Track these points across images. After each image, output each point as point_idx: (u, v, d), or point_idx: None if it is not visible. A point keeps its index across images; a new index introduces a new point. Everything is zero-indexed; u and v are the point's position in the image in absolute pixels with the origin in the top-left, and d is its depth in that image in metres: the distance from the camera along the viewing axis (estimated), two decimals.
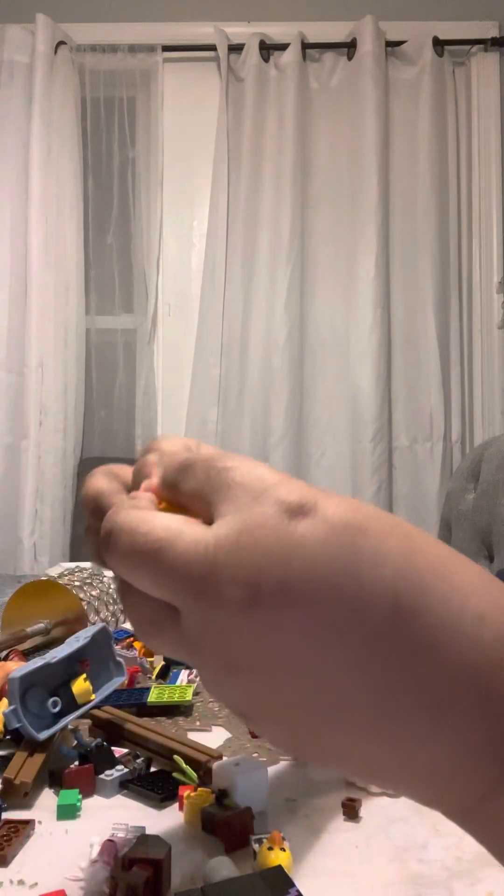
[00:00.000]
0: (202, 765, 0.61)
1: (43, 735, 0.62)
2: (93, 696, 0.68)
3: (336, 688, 0.23)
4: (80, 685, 0.67)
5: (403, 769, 0.24)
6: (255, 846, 0.50)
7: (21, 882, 0.49)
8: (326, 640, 0.23)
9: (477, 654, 0.22)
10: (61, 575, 1.07)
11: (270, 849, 0.48)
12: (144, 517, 0.25)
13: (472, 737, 0.23)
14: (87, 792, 0.60)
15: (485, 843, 0.26)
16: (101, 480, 0.31)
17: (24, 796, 0.58)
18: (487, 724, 0.23)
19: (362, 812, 0.56)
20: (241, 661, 0.23)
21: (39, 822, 0.56)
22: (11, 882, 0.49)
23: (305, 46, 2.63)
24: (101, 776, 0.61)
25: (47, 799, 0.60)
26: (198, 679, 0.84)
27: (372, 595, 0.22)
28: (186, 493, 0.27)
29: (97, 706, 0.70)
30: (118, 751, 0.65)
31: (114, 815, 0.56)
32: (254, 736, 0.71)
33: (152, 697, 0.76)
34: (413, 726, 0.23)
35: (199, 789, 0.57)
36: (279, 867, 0.46)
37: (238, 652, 0.23)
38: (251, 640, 0.23)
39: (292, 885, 0.44)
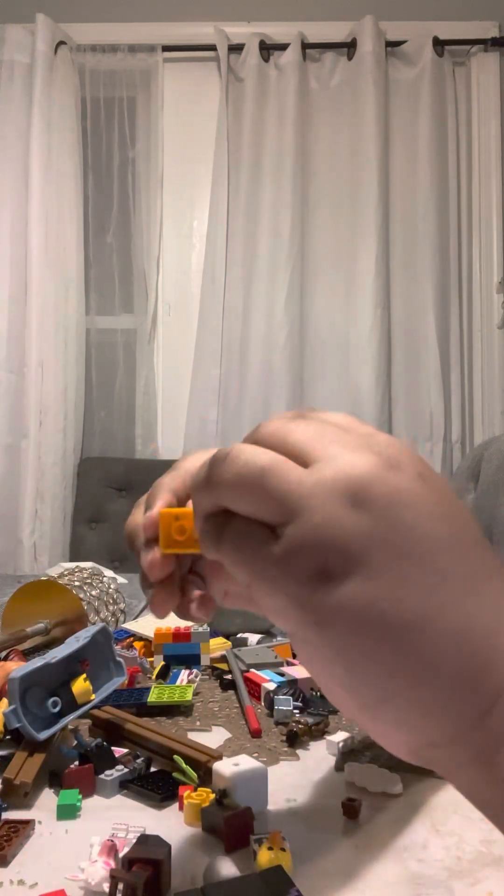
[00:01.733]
0: (202, 765, 0.61)
1: (43, 735, 0.62)
2: (93, 696, 0.68)
3: (422, 584, 0.26)
4: (80, 685, 0.67)
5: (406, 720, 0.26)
6: (255, 846, 0.50)
7: (21, 882, 0.49)
8: (426, 546, 0.26)
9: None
10: (61, 575, 1.08)
11: (270, 849, 0.48)
12: (254, 448, 0.28)
13: (488, 684, 0.25)
14: (87, 792, 0.60)
15: (479, 801, 0.28)
16: (138, 514, 0.35)
17: (24, 796, 0.58)
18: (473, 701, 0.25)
19: (362, 812, 0.56)
20: (338, 561, 0.25)
21: (39, 822, 0.56)
22: (11, 882, 0.49)
23: (305, 46, 2.63)
24: (101, 776, 0.61)
25: (47, 799, 0.60)
26: (197, 679, 0.84)
27: (468, 518, 0.27)
28: (291, 445, 0.28)
29: (97, 706, 0.70)
30: (118, 751, 0.65)
31: (114, 815, 0.56)
32: (254, 735, 0.71)
33: (152, 697, 0.76)
34: (459, 639, 0.26)
35: (199, 789, 0.57)
36: (279, 867, 0.46)
37: (338, 552, 0.25)
38: (355, 541, 0.25)
39: (292, 885, 0.44)
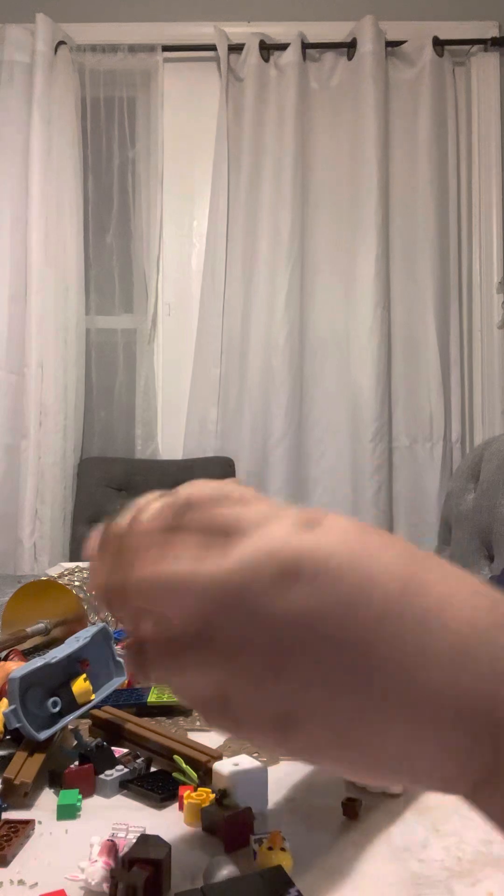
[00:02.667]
0: (202, 765, 0.61)
1: (43, 735, 0.62)
2: (93, 696, 0.68)
3: (360, 667, 0.25)
4: (80, 685, 0.67)
5: (403, 765, 0.26)
6: (255, 846, 0.50)
7: (21, 882, 0.49)
8: (351, 615, 0.25)
9: (472, 632, 0.25)
10: (61, 575, 1.07)
11: (270, 849, 0.48)
12: (166, 554, 0.28)
13: (455, 739, 0.25)
14: (87, 792, 0.60)
15: (495, 821, 0.27)
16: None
17: (24, 796, 0.58)
18: (470, 727, 0.25)
19: (362, 812, 0.56)
20: (282, 651, 0.26)
21: (39, 822, 0.56)
22: (11, 882, 0.49)
23: (305, 46, 2.63)
24: (101, 776, 0.61)
25: (47, 799, 0.60)
26: None
27: (385, 572, 0.26)
28: (194, 529, 0.29)
29: (97, 706, 0.70)
30: (118, 751, 0.65)
31: (114, 815, 0.56)
32: None
33: (152, 697, 0.76)
34: (403, 725, 0.25)
35: (199, 789, 0.57)
36: (279, 867, 0.46)
37: (277, 642, 0.26)
38: (290, 625, 0.25)
39: (292, 885, 0.44)
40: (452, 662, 0.25)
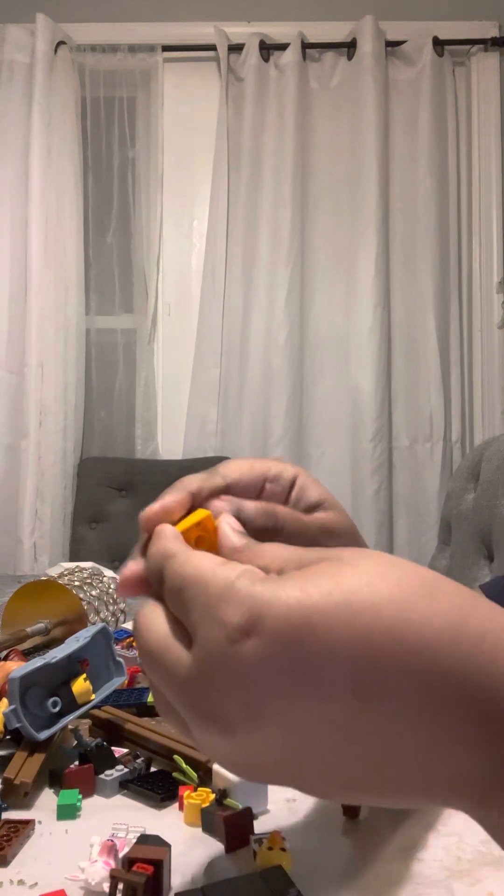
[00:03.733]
0: (202, 765, 0.61)
1: (43, 735, 0.62)
2: (93, 696, 0.68)
3: (327, 747, 0.26)
4: (80, 685, 0.67)
5: (401, 792, 0.27)
6: (255, 846, 0.49)
7: (21, 882, 0.49)
8: (306, 734, 0.25)
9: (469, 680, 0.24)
10: (61, 575, 1.07)
11: (270, 849, 0.48)
12: (151, 620, 0.30)
13: (478, 752, 0.25)
14: (87, 792, 0.60)
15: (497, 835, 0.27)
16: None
17: (24, 796, 0.58)
18: (488, 737, 0.24)
19: (362, 812, 0.56)
20: (240, 763, 0.27)
21: (39, 822, 0.56)
22: (11, 882, 0.49)
23: (305, 46, 2.63)
24: (101, 776, 0.61)
25: (47, 799, 0.60)
26: None
27: (330, 689, 0.25)
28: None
29: (97, 706, 0.70)
30: (118, 751, 0.65)
31: (114, 815, 0.56)
32: None
33: (152, 697, 0.76)
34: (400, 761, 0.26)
35: (199, 789, 0.57)
36: (279, 867, 0.46)
37: (233, 758, 0.27)
38: (238, 758, 0.27)
39: (292, 885, 0.44)
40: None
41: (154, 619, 0.29)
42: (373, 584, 0.25)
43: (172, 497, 0.35)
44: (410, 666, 0.24)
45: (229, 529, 0.33)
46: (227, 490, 0.38)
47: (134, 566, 0.33)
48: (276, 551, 0.29)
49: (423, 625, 0.24)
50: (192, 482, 0.37)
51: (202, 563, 0.28)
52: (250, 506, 0.37)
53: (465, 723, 0.24)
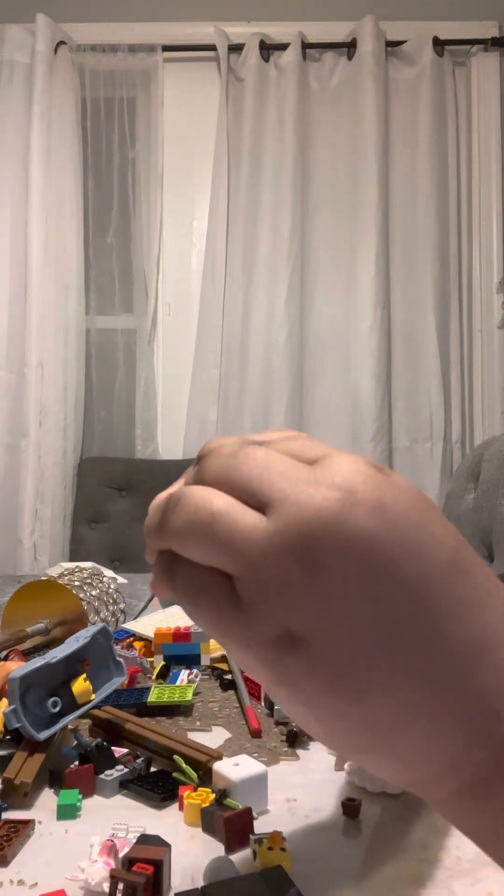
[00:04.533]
0: (202, 765, 0.61)
1: (43, 735, 0.62)
2: (93, 696, 0.68)
3: (389, 642, 0.24)
4: (80, 685, 0.67)
5: (403, 749, 0.25)
6: (255, 846, 0.50)
7: (21, 882, 0.49)
8: (390, 591, 0.24)
9: (486, 629, 0.25)
10: (61, 575, 1.08)
11: (270, 849, 0.48)
12: (206, 490, 0.26)
13: (473, 714, 0.25)
14: (87, 792, 0.60)
15: (471, 831, 0.27)
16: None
17: (24, 796, 0.58)
18: (485, 718, 0.24)
19: (362, 812, 0.56)
20: (300, 626, 0.24)
21: (39, 822, 0.56)
22: (11, 882, 0.49)
23: (305, 46, 2.63)
24: (101, 776, 0.61)
25: (47, 799, 0.60)
26: (197, 679, 0.84)
27: (438, 544, 0.25)
28: (214, 483, 0.26)
29: (97, 706, 0.70)
30: (118, 751, 0.65)
31: (114, 815, 0.56)
32: (254, 735, 0.71)
33: (152, 697, 0.76)
34: (435, 685, 0.24)
35: (199, 789, 0.57)
36: (279, 867, 0.46)
37: (299, 617, 0.24)
38: (313, 605, 0.24)
39: (292, 885, 0.44)
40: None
41: (210, 491, 0.26)
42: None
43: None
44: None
45: None
46: None
47: None
48: None
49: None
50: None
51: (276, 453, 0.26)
52: None
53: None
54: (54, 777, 0.61)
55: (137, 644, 0.95)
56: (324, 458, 0.25)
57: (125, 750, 0.65)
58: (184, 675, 0.85)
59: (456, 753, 0.25)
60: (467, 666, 0.24)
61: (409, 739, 0.25)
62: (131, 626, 1.00)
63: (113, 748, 0.64)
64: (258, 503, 0.25)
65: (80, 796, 0.58)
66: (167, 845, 0.48)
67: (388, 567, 0.24)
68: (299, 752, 0.68)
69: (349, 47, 2.64)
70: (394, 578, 0.24)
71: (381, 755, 0.26)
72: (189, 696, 0.77)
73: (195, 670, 0.86)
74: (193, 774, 0.60)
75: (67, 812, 0.57)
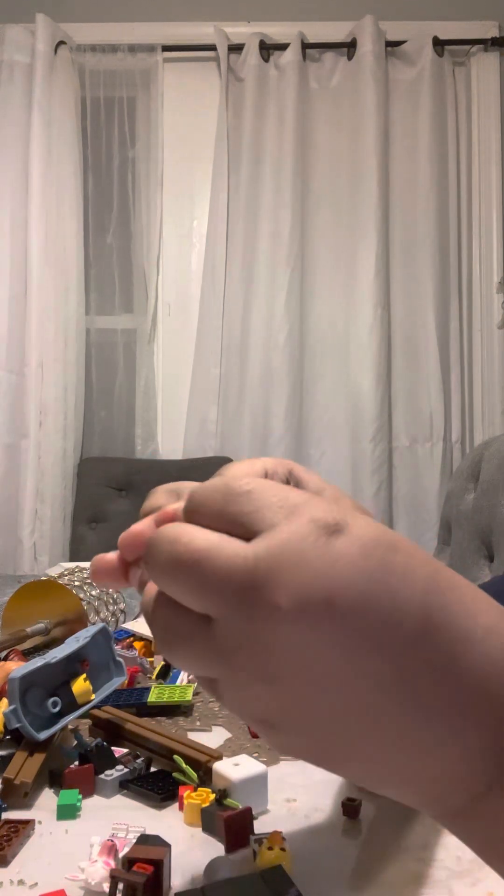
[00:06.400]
0: (202, 765, 0.61)
1: (43, 735, 0.62)
2: (93, 696, 0.68)
3: (366, 698, 0.24)
4: (80, 685, 0.67)
5: (414, 774, 0.25)
6: (255, 846, 0.49)
7: (21, 882, 0.49)
8: (364, 651, 0.24)
9: (486, 665, 0.24)
10: (61, 575, 1.07)
11: (270, 849, 0.48)
12: (186, 529, 0.26)
13: (480, 741, 0.24)
14: (87, 792, 0.60)
15: (476, 843, 0.27)
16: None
17: (24, 796, 0.58)
18: (493, 729, 0.24)
19: (362, 812, 0.56)
20: (279, 670, 0.24)
21: (39, 822, 0.56)
22: (11, 882, 0.49)
23: (305, 46, 2.63)
24: (101, 776, 0.61)
25: (47, 799, 0.60)
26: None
27: (405, 608, 0.24)
28: (215, 518, 0.26)
29: (97, 706, 0.70)
30: (118, 751, 0.65)
31: (114, 815, 0.56)
32: (254, 735, 0.71)
33: (152, 697, 0.76)
34: (433, 733, 0.24)
35: (199, 789, 0.57)
36: (279, 867, 0.46)
37: (277, 660, 0.24)
38: (292, 650, 0.24)
39: (292, 885, 0.44)
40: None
41: (190, 527, 0.26)
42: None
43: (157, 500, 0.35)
44: (466, 618, 0.25)
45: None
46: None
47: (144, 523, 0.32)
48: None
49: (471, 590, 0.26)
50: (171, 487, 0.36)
51: (270, 482, 0.27)
52: None
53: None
54: (54, 777, 0.61)
55: (137, 644, 0.95)
56: (304, 500, 0.26)
57: (125, 750, 0.65)
58: (184, 675, 0.85)
59: (468, 772, 0.25)
60: (459, 725, 0.24)
61: (408, 785, 0.26)
62: (131, 626, 1.00)
63: (113, 748, 0.64)
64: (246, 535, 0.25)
65: (80, 796, 0.58)
66: (167, 845, 0.48)
67: (362, 603, 0.24)
68: None
69: (349, 47, 2.64)
70: (364, 617, 0.24)
71: (377, 789, 0.27)
72: (189, 696, 0.77)
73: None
74: (193, 774, 0.60)
75: (67, 812, 0.57)
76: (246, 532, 0.25)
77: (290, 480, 0.40)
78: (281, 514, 0.25)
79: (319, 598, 0.23)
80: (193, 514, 0.27)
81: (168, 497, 0.34)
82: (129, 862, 0.46)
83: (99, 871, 0.47)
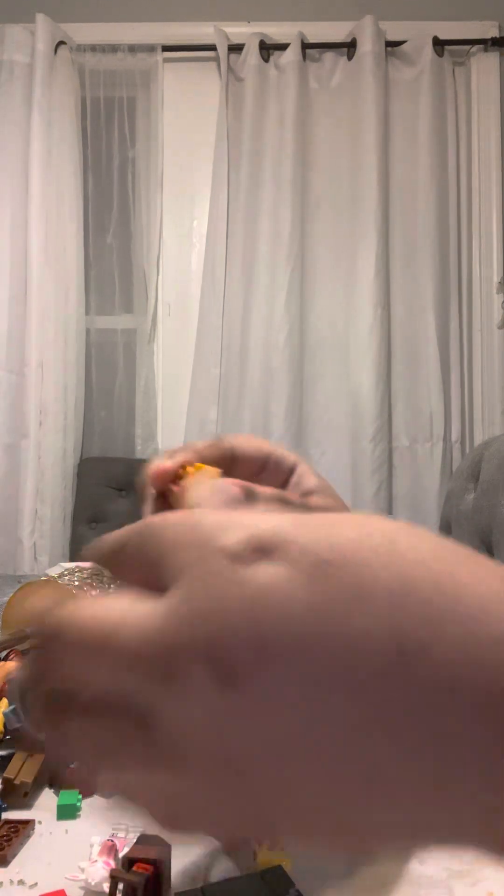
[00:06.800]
0: None
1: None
2: None
3: (357, 751, 0.18)
4: None
5: (456, 825, 0.19)
6: (255, 846, 0.49)
7: (21, 882, 0.49)
8: (329, 701, 0.18)
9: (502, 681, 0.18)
10: (61, 575, 1.07)
11: (270, 849, 0.48)
12: (88, 603, 0.22)
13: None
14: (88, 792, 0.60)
15: None
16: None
17: (24, 796, 0.58)
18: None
19: None
20: (238, 751, 0.19)
21: (39, 822, 0.56)
22: (11, 882, 0.49)
23: (305, 46, 2.63)
24: None
25: (47, 799, 0.60)
26: None
27: (366, 637, 0.18)
28: (130, 568, 0.23)
29: None
30: None
31: (114, 815, 0.56)
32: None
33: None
34: (449, 770, 0.18)
35: None
36: (279, 867, 0.46)
37: (231, 739, 0.19)
38: (242, 723, 0.19)
39: (292, 885, 0.44)
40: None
41: (95, 599, 0.22)
42: (412, 532, 0.20)
43: (183, 456, 0.37)
44: (464, 627, 0.18)
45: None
46: (233, 455, 0.40)
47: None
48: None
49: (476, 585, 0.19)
50: (200, 444, 0.39)
51: (190, 512, 0.23)
52: (264, 491, 0.37)
53: None
54: (54, 777, 0.61)
55: None
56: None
57: None
58: None
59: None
60: (479, 748, 0.18)
61: (458, 828, 0.19)
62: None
63: None
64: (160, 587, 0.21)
65: (80, 796, 0.58)
66: (167, 845, 0.48)
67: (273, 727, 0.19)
68: None
69: (349, 47, 2.64)
70: (313, 665, 0.18)
71: (438, 843, 0.20)
72: None
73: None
74: None
75: (67, 812, 0.57)
76: (160, 585, 0.21)
77: (294, 472, 0.42)
78: (192, 553, 0.20)
79: (247, 654, 0.18)
80: (113, 562, 0.24)
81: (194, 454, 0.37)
82: (129, 862, 0.46)
83: (99, 871, 0.47)
